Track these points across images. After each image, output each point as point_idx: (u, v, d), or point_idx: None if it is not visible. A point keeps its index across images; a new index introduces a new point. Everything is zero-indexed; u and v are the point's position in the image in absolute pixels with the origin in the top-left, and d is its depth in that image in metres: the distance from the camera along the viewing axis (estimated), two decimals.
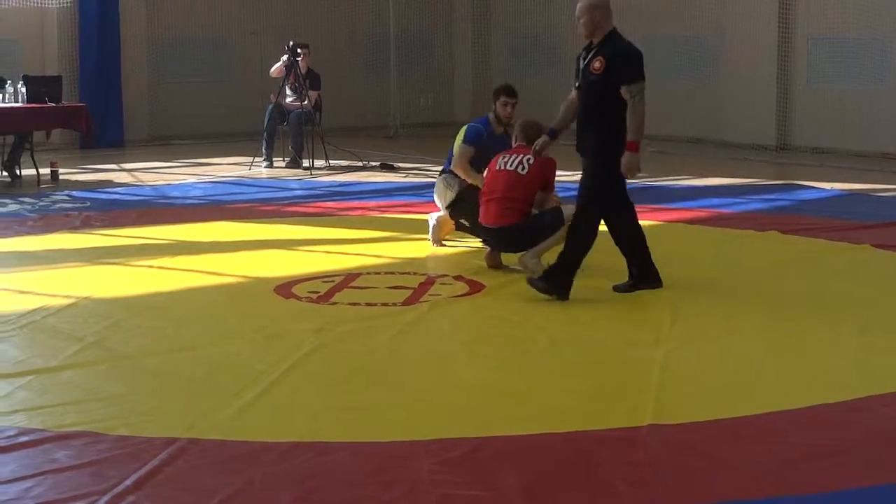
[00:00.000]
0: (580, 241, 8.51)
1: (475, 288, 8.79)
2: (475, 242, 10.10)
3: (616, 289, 8.70)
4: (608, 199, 8.57)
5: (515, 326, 7.89)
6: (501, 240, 9.35)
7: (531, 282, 8.51)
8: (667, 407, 6.19)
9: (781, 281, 9.27)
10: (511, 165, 9.30)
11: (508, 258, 9.45)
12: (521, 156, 9.28)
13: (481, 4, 22.52)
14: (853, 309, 8.35)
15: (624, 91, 8.32)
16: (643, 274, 8.72)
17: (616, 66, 8.35)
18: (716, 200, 13.25)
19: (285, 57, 16.47)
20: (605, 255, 8.95)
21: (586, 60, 8.50)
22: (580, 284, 8.57)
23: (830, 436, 5.83)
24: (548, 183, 9.39)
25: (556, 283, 8.44)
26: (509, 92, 10.25)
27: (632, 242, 8.74)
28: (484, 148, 9.96)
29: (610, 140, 8.39)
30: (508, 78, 21.31)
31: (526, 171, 9.23)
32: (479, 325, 8.06)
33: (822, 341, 7.57)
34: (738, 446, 5.67)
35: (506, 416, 6.15)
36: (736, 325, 7.93)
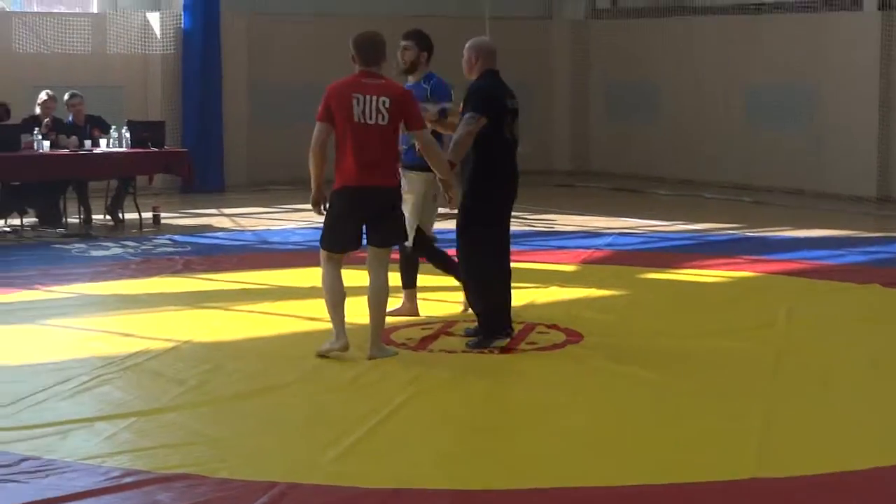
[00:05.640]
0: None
1: (573, 337, 8.76)
2: (577, 290, 10.02)
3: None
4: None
5: (615, 376, 7.84)
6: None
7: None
8: (769, 460, 6.13)
9: (882, 334, 9.14)
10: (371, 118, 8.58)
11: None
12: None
13: (580, 50, 22.24)
14: None
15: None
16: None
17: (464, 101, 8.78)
18: (816, 252, 13.10)
19: None
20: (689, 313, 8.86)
21: None
22: (676, 339, 8.47)
23: None
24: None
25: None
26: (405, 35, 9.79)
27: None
28: None
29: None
30: (606, 125, 21.55)
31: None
32: (578, 374, 8.02)
33: None
34: (843, 501, 5.59)
35: (607, 465, 6.12)
36: (836, 379, 7.83)
